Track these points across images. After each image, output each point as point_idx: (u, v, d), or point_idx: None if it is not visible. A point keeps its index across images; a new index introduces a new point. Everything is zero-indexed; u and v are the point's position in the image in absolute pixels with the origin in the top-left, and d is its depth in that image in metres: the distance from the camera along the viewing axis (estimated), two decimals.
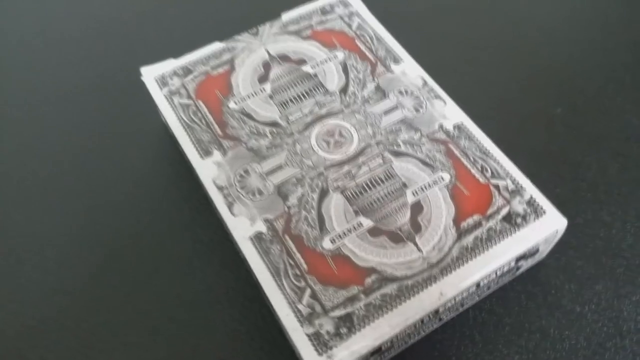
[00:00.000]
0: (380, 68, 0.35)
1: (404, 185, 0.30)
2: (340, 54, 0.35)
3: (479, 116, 0.33)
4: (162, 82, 0.35)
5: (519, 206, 0.29)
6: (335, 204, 0.30)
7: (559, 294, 0.31)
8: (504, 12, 0.42)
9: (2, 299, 0.32)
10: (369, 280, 0.27)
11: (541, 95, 0.38)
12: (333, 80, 0.34)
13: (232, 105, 0.34)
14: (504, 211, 0.29)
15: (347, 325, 0.26)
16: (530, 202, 0.29)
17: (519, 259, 0.29)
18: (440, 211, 0.29)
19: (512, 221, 0.29)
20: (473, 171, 0.30)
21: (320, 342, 0.26)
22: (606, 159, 0.35)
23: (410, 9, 0.43)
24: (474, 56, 0.40)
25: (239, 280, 0.31)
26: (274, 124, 0.33)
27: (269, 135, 0.32)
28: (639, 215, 0.33)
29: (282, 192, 0.30)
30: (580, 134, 0.36)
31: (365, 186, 0.30)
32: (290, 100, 0.34)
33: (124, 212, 0.34)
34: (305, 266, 0.28)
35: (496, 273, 0.28)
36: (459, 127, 0.32)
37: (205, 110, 0.33)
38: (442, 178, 0.30)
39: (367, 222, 0.29)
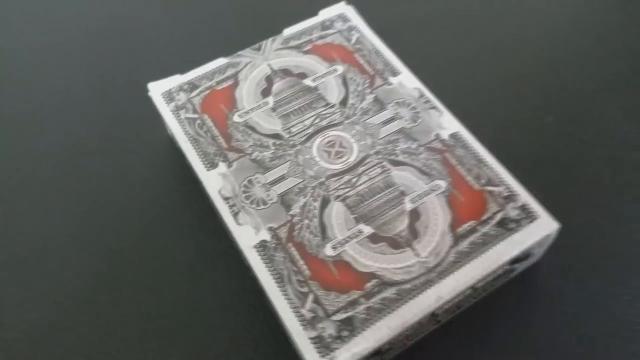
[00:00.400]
0: (378, 80, 0.36)
1: (402, 193, 0.31)
2: (340, 68, 0.37)
3: (474, 124, 0.34)
4: (169, 97, 0.36)
5: (512, 211, 0.30)
6: (336, 212, 0.31)
7: (552, 296, 0.31)
8: (498, 24, 0.44)
9: (2, 300, 0.33)
10: (369, 285, 0.28)
11: (535, 103, 0.39)
12: (333, 92, 0.35)
13: (236, 118, 0.35)
14: (499, 216, 0.30)
15: (349, 328, 0.27)
16: (524, 208, 0.30)
17: (513, 262, 0.30)
18: (437, 218, 0.30)
19: (506, 226, 0.30)
20: (468, 178, 0.32)
21: (322, 345, 0.27)
22: (598, 164, 0.36)
23: (407, 21, 0.44)
24: (469, 66, 0.41)
25: (244, 288, 0.32)
26: (276, 136, 0.34)
27: (272, 146, 0.34)
28: (630, 218, 0.34)
29: (285, 202, 0.31)
30: (573, 140, 0.37)
31: (365, 195, 0.31)
32: (292, 112, 0.35)
33: (132, 221, 0.35)
34: (308, 272, 0.29)
35: (491, 276, 0.29)
36: (454, 137, 0.33)
37: (211, 123, 0.35)
38: (439, 186, 0.31)
39: (367, 229, 0.30)
